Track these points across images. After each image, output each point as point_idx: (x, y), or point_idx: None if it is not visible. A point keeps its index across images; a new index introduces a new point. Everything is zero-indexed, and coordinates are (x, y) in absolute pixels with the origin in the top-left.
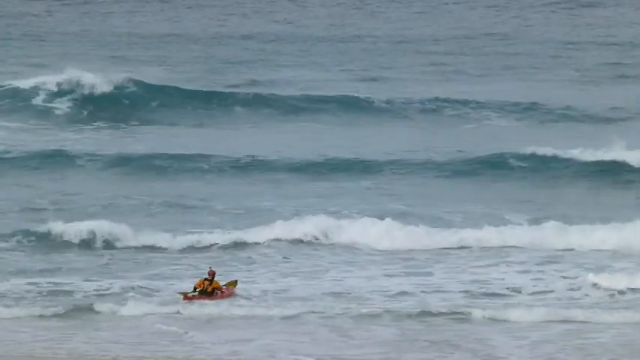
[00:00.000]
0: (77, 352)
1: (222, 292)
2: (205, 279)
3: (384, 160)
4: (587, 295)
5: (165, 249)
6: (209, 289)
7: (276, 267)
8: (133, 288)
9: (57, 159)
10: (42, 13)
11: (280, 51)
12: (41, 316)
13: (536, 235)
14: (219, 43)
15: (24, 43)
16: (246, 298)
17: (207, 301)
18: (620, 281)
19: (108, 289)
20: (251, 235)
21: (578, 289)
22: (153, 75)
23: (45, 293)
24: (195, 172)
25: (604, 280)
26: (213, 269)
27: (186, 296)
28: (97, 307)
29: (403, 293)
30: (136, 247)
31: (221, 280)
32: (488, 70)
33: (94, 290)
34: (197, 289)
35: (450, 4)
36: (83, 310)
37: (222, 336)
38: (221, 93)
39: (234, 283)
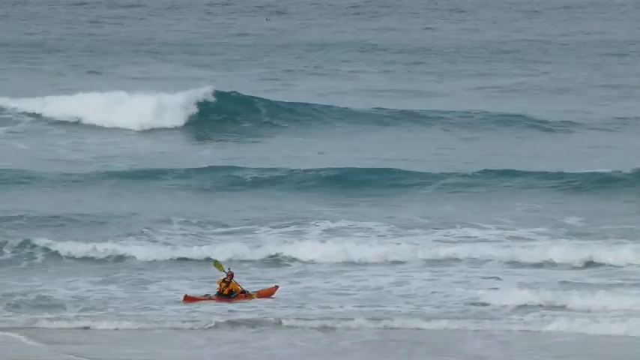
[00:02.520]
0: None
1: (246, 295)
2: (223, 280)
3: None
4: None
5: None
6: (225, 292)
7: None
8: None
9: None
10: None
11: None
12: None
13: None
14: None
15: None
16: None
17: (208, 302)
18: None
19: None
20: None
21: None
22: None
23: None
24: None
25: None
26: (231, 270)
27: (187, 297)
28: None
29: (387, 300)
30: None
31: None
32: None
33: None
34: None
35: None
36: None
37: (189, 342)
38: None
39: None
